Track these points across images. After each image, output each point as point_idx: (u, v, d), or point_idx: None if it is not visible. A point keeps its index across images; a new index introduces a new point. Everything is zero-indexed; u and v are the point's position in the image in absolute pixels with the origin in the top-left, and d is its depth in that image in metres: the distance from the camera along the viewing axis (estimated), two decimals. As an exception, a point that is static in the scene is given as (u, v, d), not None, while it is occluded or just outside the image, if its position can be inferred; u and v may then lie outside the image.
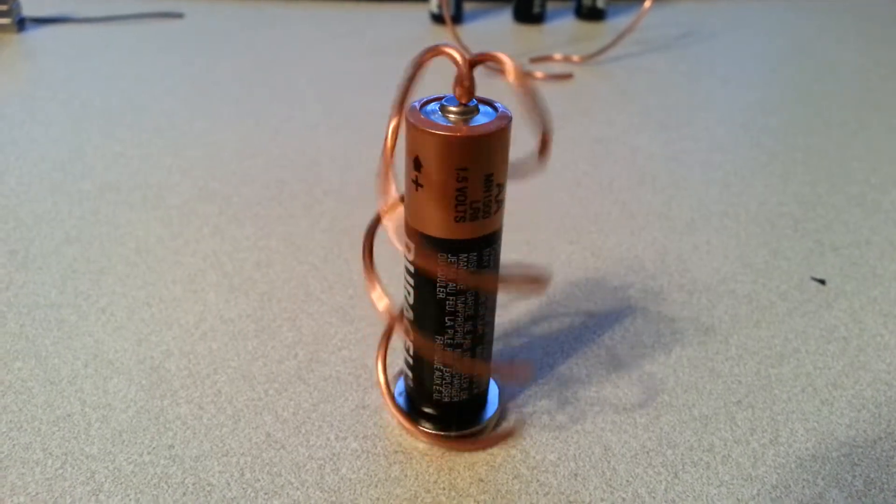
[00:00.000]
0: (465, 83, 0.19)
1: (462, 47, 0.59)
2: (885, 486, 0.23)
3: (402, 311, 0.23)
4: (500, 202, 0.21)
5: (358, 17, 0.72)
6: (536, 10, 0.71)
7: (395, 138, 0.20)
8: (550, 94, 0.54)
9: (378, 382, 0.25)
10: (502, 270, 0.23)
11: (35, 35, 0.65)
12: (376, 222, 0.22)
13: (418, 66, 0.19)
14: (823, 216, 0.38)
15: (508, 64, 0.18)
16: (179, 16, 0.71)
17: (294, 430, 0.24)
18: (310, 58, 0.61)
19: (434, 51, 0.19)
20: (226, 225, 0.36)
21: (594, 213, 0.38)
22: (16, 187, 0.39)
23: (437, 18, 0.69)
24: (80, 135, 0.46)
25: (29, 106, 0.50)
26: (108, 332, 0.29)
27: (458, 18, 0.70)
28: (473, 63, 0.19)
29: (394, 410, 0.24)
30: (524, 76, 0.18)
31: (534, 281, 0.21)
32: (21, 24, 0.66)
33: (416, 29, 0.69)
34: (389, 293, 0.22)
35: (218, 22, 0.70)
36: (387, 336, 0.25)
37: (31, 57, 0.60)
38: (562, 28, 0.71)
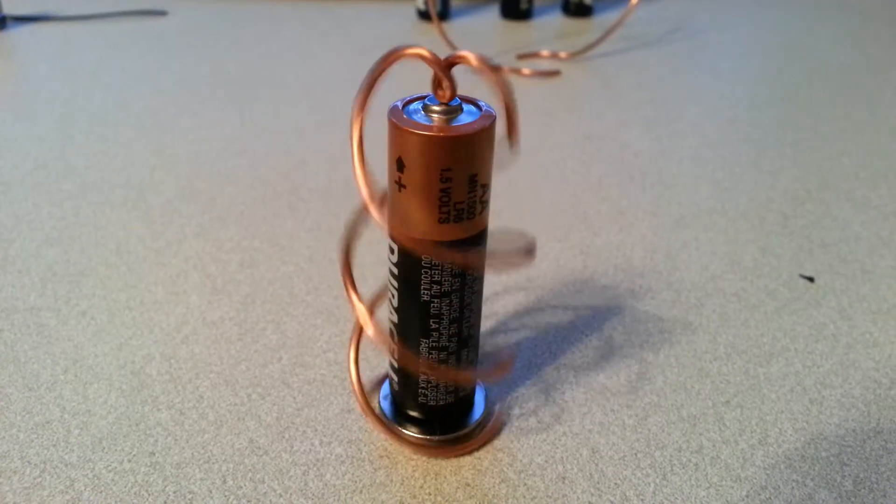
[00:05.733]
0: (444, 83, 0.19)
1: (448, 44, 0.59)
2: (875, 485, 0.23)
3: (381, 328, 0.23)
4: (484, 203, 0.20)
5: (344, 15, 0.72)
6: (524, 6, 0.70)
7: (361, 145, 0.19)
8: (538, 91, 0.54)
9: (361, 406, 0.24)
10: (489, 245, 0.22)
11: (17, 33, 0.64)
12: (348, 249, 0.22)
13: (379, 72, 0.19)
14: (812, 212, 0.38)
15: (473, 58, 0.18)
16: (163, 13, 0.70)
17: (277, 436, 0.24)
18: (295, 55, 0.60)
19: (396, 55, 0.19)
20: (209, 225, 0.36)
21: (583, 211, 0.38)
22: (-5, 188, 0.38)
23: (424, 15, 0.69)
24: (62, 134, 0.45)
25: (10, 105, 0.49)
26: (88, 337, 0.28)
27: (444, 15, 0.70)
28: (449, 63, 0.19)
29: (378, 425, 0.24)
30: (491, 68, 0.18)
31: (521, 253, 0.21)
32: (2, 22, 0.65)
33: (402, 26, 0.68)
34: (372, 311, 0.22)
35: (202, 19, 0.69)
36: (356, 342, 0.24)
37: (12, 55, 0.59)
38: (549, 24, 0.70)
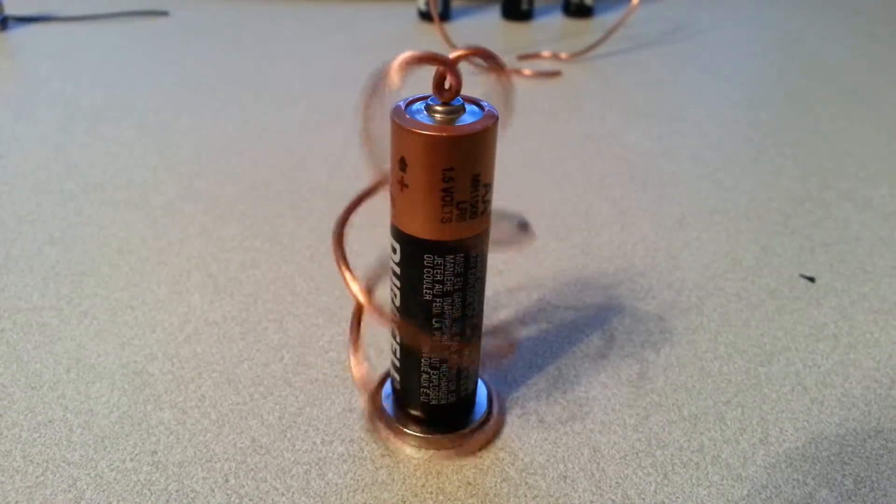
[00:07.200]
0: (450, 82, 0.19)
1: (450, 45, 0.59)
2: (875, 484, 0.23)
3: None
4: (486, 202, 0.21)
5: (345, 15, 0.72)
6: (524, 7, 0.71)
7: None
8: (539, 91, 0.54)
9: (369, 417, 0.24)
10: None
11: (18, 34, 0.64)
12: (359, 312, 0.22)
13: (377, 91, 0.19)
14: (813, 212, 0.38)
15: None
16: (164, 13, 0.71)
17: (280, 435, 0.24)
18: (296, 55, 0.60)
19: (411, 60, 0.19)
20: (211, 225, 0.36)
21: (584, 211, 0.38)
22: (-3, 188, 0.38)
23: (425, 16, 0.69)
24: (65, 134, 0.45)
25: (12, 105, 0.49)
26: (91, 336, 0.28)
27: (445, 16, 0.70)
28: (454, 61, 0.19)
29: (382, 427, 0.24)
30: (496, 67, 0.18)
31: (517, 233, 0.21)
32: (4, 22, 0.65)
33: (403, 26, 0.68)
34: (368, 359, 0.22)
35: (203, 19, 0.69)
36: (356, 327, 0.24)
37: (14, 56, 0.59)
38: (550, 25, 0.70)
